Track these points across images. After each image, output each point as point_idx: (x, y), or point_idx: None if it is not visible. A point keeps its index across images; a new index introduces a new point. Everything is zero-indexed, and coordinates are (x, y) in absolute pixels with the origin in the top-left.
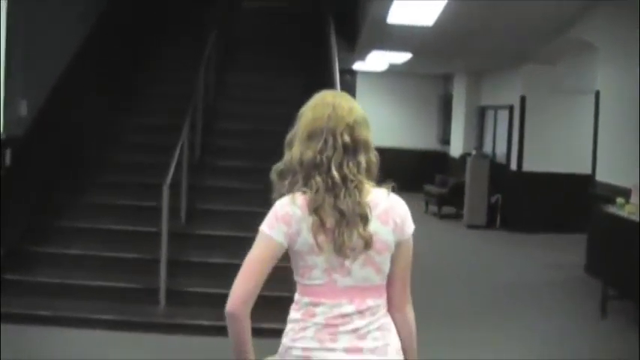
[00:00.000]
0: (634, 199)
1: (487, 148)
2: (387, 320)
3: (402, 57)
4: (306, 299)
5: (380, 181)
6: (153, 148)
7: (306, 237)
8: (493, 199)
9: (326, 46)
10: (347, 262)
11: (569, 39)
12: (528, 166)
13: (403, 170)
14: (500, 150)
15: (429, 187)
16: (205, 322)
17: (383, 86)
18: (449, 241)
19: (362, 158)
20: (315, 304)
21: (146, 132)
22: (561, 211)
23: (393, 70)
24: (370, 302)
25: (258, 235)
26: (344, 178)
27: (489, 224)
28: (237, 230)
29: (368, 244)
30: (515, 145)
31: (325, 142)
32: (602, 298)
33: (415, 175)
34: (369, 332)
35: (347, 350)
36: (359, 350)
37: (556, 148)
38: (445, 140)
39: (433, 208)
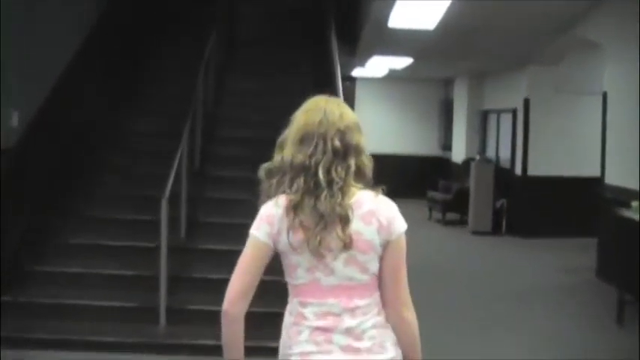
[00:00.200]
0: None
1: (490, 153)
2: (381, 318)
3: (403, 62)
4: (295, 300)
5: (374, 186)
6: (151, 155)
7: (285, 237)
8: (498, 205)
9: (327, 51)
10: (328, 261)
11: (573, 38)
12: (533, 170)
13: (405, 177)
14: (504, 154)
15: (432, 194)
16: (208, 342)
17: (382, 92)
18: (455, 247)
19: (352, 161)
20: (304, 304)
21: (144, 137)
22: (568, 215)
23: (393, 76)
24: (358, 301)
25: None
26: (330, 181)
27: (495, 230)
28: (240, 244)
29: (346, 245)
30: (519, 148)
31: (316, 146)
32: (619, 304)
33: (417, 182)
34: (364, 332)
35: (344, 351)
36: (356, 351)
37: (561, 151)
38: (447, 146)
39: (437, 214)
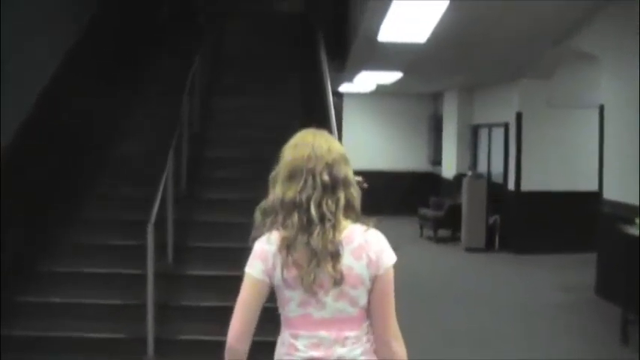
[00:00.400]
0: None
1: (481, 168)
2: (369, 345)
3: (392, 76)
4: (287, 332)
5: (368, 207)
6: (136, 178)
7: (279, 273)
8: (491, 221)
9: (317, 67)
10: (320, 297)
11: (567, 50)
12: (527, 185)
13: (394, 193)
14: (496, 169)
15: (424, 211)
16: None
17: (370, 107)
18: (449, 265)
19: (341, 195)
20: (295, 337)
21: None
22: (562, 231)
23: (381, 91)
24: (348, 333)
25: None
26: (322, 217)
27: (488, 246)
28: (230, 269)
29: (337, 282)
30: (512, 163)
31: (305, 182)
32: (622, 323)
33: (407, 198)
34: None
35: None
36: None
37: (555, 166)
38: (436, 161)
39: (428, 232)
